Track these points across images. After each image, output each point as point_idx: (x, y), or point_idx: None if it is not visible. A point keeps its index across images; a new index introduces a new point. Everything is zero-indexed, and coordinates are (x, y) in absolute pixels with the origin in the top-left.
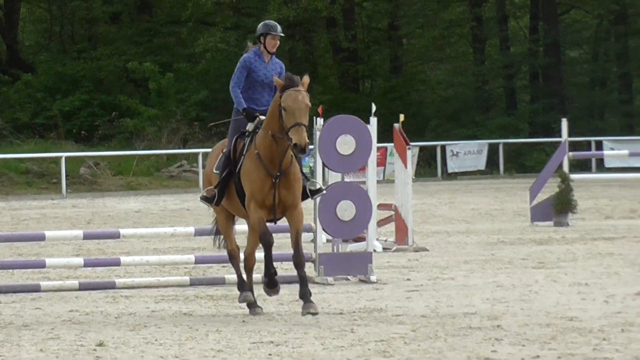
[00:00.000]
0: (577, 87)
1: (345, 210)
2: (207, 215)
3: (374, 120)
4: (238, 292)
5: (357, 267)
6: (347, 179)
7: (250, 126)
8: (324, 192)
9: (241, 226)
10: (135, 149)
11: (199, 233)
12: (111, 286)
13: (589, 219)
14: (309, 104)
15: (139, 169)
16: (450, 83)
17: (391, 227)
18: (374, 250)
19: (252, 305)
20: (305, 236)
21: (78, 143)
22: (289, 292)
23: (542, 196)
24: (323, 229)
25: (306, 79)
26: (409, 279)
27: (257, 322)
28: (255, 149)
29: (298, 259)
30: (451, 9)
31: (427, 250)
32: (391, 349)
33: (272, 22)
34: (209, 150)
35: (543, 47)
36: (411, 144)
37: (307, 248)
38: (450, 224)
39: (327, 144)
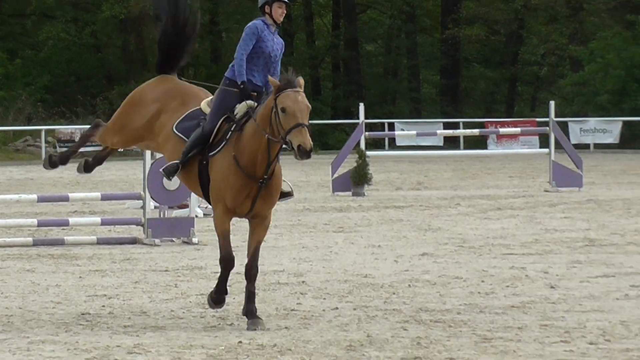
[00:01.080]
0: (372, 77)
1: (171, 180)
2: (48, 185)
3: None
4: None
5: (181, 230)
6: None
7: (239, 109)
8: (293, 196)
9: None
10: None
11: (41, 200)
12: None
13: (382, 190)
14: (309, 105)
15: None
16: None
17: None
18: (196, 216)
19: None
20: (135, 203)
21: None
22: (121, 252)
23: (342, 170)
24: (151, 197)
25: (301, 80)
26: None
27: (92, 277)
28: (233, 150)
29: (252, 272)
30: None
31: None
32: None
33: None
34: (52, 127)
35: (343, 41)
36: None
37: (137, 214)
38: None
39: None
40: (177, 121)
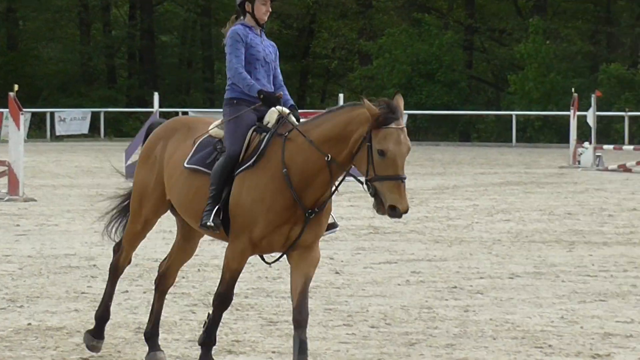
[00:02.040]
0: (167, 67)
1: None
2: None
3: None
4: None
5: None
6: None
7: (269, 118)
8: (337, 227)
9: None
10: None
11: None
12: None
13: None
14: (410, 146)
15: None
16: (60, 59)
17: (4, 180)
18: None
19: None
20: None
21: None
22: None
23: (135, 156)
24: None
25: (402, 102)
26: (18, 225)
27: None
28: (284, 165)
29: (301, 317)
30: None
31: (35, 200)
32: (0, 284)
33: None
34: None
35: (140, 32)
36: (24, 110)
37: None
38: (56, 179)
39: None
40: (188, 158)
